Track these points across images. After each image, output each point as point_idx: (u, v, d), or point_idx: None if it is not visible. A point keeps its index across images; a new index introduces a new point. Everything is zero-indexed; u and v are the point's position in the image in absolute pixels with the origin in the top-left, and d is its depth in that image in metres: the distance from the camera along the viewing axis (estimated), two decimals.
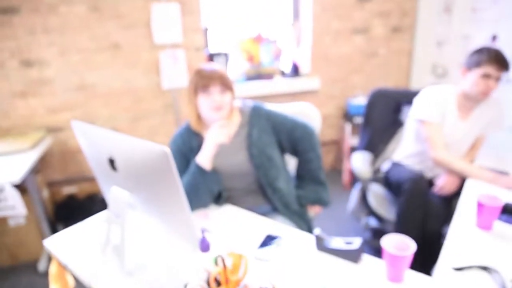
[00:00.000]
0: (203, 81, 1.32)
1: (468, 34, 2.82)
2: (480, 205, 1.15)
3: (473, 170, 1.66)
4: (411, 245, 0.91)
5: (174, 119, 2.85)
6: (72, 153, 2.68)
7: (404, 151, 2.01)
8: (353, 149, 3.11)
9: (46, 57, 2.47)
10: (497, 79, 1.66)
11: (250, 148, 1.36)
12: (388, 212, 1.98)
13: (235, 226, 1.22)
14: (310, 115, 1.71)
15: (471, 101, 1.78)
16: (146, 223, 1.21)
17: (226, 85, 1.34)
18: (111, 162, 0.99)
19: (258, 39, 2.96)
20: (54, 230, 2.34)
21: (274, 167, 1.38)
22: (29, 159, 2.08)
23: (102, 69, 2.60)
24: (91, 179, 2.69)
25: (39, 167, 2.52)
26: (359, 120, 2.97)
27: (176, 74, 2.69)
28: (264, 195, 1.42)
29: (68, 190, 2.72)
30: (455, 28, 2.93)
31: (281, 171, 1.42)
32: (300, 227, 1.39)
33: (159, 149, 0.82)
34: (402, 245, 0.93)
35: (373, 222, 2.18)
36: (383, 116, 2.20)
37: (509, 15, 2.55)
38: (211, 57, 2.87)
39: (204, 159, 1.31)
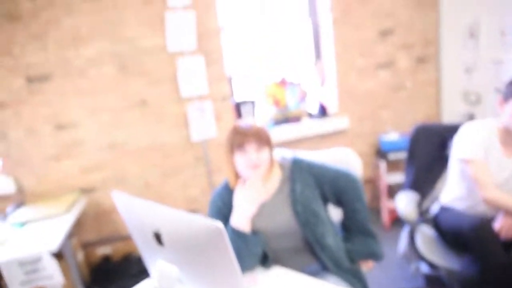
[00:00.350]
0: (238, 138, 1.28)
1: (499, 58, 2.73)
2: None
3: None
4: None
5: (206, 171, 2.82)
6: (106, 213, 2.66)
7: (451, 194, 1.86)
8: (390, 187, 3.00)
9: (77, 119, 2.52)
10: None
11: (295, 205, 1.29)
12: (438, 257, 1.83)
13: None
14: (349, 161, 1.64)
15: None
16: None
17: (262, 141, 1.30)
18: (157, 236, 0.94)
19: (283, 83, 2.96)
20: None
21: (320, 222, 1.30)
22: (65, 223, 2.06)
23: (131, 127, 2.63)
24: (126, 238, 2.64)
25: (73, 230, 2.50)
26: (393, 156, 2.86)
27: (204, 126, 2.69)
28: (312, 253, 1.32)
29: (102, 250, 2.68)
30: (483, 53, 2.84)
31: (328, 226, 1.33)
32: (354, 286, 1.28)
33: (212, 225, 0.76)
34: None
35: (424, 268, 2.03)
36: (428, 153, 2.08)
37: None
38: (237, 106, 2.87)
39: (241, 221, 1.24)
